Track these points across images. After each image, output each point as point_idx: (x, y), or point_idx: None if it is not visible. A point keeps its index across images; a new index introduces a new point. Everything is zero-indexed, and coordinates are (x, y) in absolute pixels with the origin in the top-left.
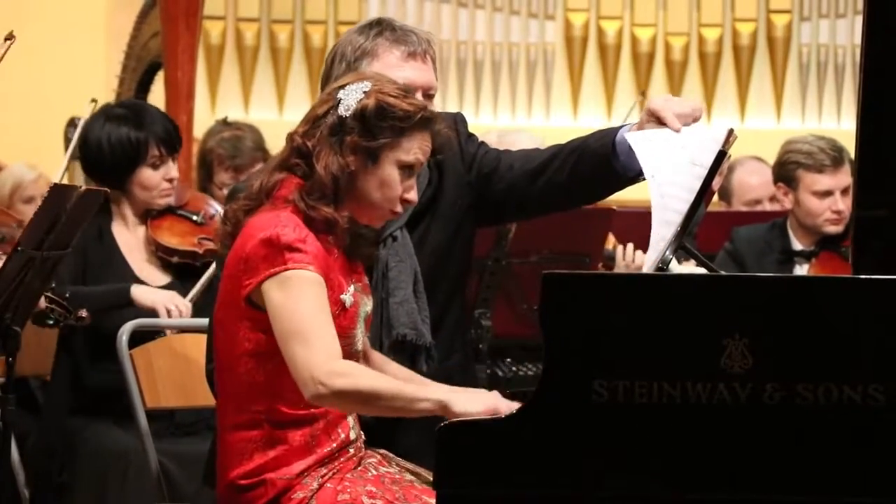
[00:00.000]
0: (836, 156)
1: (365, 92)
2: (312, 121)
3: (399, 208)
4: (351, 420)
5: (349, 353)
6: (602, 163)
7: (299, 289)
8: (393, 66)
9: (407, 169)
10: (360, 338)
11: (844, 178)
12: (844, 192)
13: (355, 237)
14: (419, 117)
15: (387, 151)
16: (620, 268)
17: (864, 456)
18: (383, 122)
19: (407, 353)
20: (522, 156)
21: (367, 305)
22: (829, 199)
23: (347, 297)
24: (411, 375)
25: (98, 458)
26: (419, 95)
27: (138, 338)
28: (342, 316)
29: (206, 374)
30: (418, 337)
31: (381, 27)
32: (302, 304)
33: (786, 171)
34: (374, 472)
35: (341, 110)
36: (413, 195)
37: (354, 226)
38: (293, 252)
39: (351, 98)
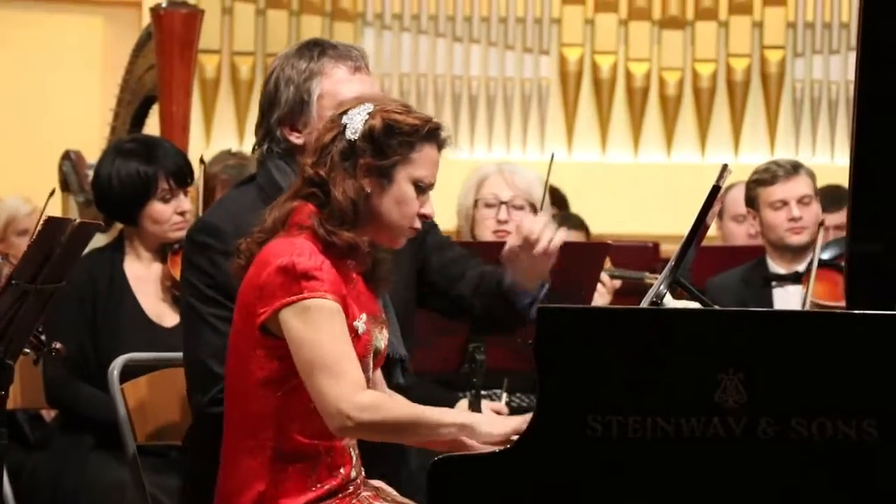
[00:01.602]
0: (788, 167)
1: (369, 113)
2: (321, 149)
3: (418, 224)
4: (354, 456)
5: None
6: (510, 309)
7: (320, 319)
8: (343, 81)
9: (420, 184)
10: (370, 367)
11: (798, 187)
12: (801, 201)
13: (374, 261)
14: (427, 130)
15: (400, 168)
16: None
17: (858, 491)
18: (392, 140)
19: (383, 367)
20: (453, 260)
21: (380, 340)
22: (786, 209)
23: (360, 325)
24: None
25: (95, 491)
26: None
27: (131, 372)
28: (355, 343)
29: (198, 406)
30: (393, 350)
31: (320, 47)
32: (324, 334)
33: (749, 193)
34: None
35: (349, 134)
36: (429, 209)
37: (373, 250)
38: (310, 280)
39: (356, 121)
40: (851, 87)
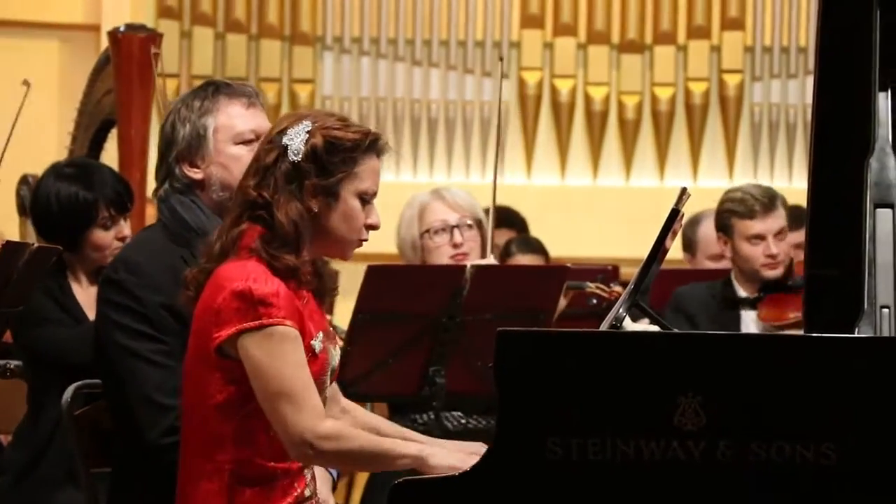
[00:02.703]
0: (765, 201)
1: (308, 132)
2: (263, 171)
3: (365, 235)
4: (308, 476)
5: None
6: None
7: (280, 346)
8: (238, 116)
9: (365, 196)
10: (327, 385)
11: (776, 221)
12: (778, 235)
13: (319, 276)
14: (368, 143)
15: (345, 184)
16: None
17: None
18: (335, 157)
19: None
20: None
21: (335, 357)
22: (763, 244)
23: (317, 343)
24: (400, 431)
25: None
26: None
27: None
28: (313, 362)
29: (153, 441)
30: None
31: (215, 86)
32: (284, 362)
33: (722, 220)
34: None
35: (291, 156)
36: (375, 219)
37: (317, 265)
38: (267, 307)
39: (297, 141)
40: (809, 110)
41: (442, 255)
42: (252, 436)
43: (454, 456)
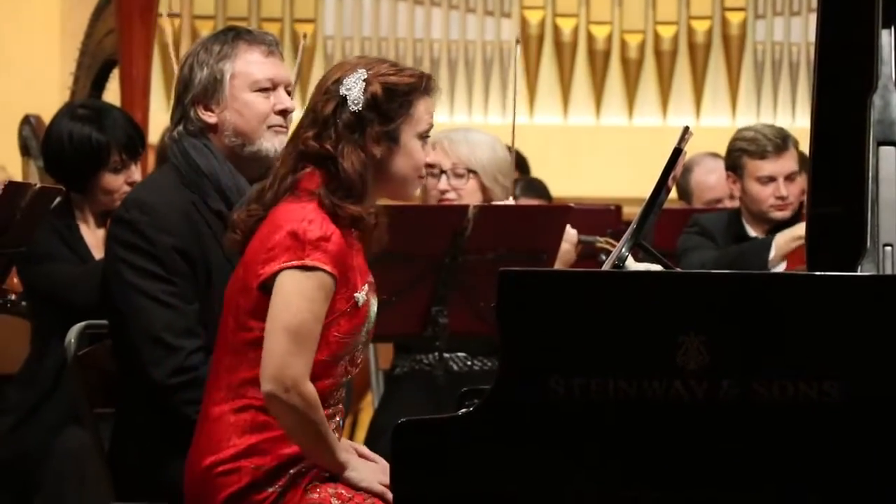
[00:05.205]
0: (778, 142)
1: (365, 80)
2: (323, 122)
3: (423, 173)
4: (336, 421)
5: (351, 348)
6: None
7: (313, 290)
8: (255, 63)
9: (423, 136)
10: (364, 338)
11: (787, 164)
12: (789, 177)
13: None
14: (423, 85)
15: (405, 128)
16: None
17: (819, 452)
18: (394, 103)
19: None
20: None
21: (374, 307)
22: (773, 185)
23: (361, 296)
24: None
25: (57, 457)
26: (281, 91)
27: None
28: (354, 314)
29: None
30: None
31: (235, 31)
32: (309, 305)
33: (732, 160)
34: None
35: (351, 106)
36: (432, 156)
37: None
38: (314, 249)
39: (355, 90)
40: (812, 48)
41: (432, 198)
42: None
43: (373, 478)
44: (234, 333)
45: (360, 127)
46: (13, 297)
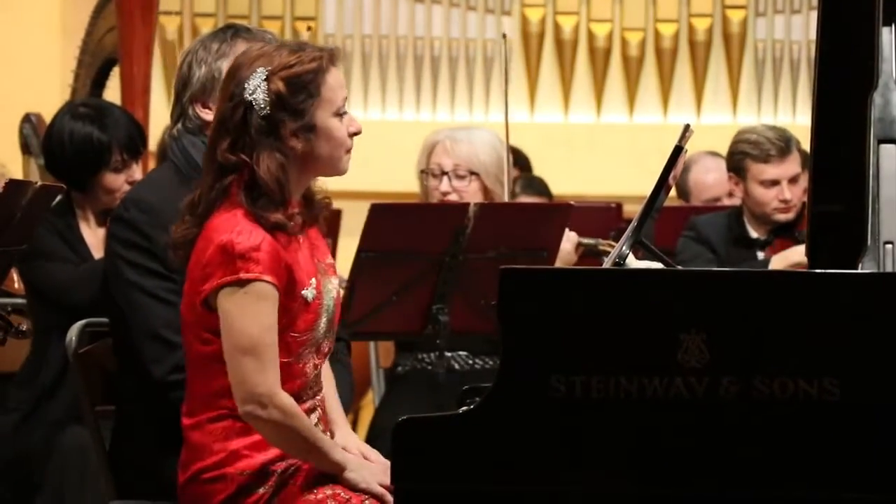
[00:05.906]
0: (782, 145)
1: (265, 79)
2: (234, 131)
3: (350, 143)
4: (317, 414)
5: (312, 343)
6: None
7: (254, 303)
8: None
9: (340, 112)
10: (325, 328)
11: (791, 167)
12: (792, 180)
13: (310, 204)
14: (325, 64)
15: (317, 112)
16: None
17: (819, 449)
18: (301, 95)
19: None
20: None
21: (331, 292)
22: (776, 189)
23: (309, 292)
24: (342, 418)
25: (58, 455)
26: None
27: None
28: (306, 310)
29: (160, 377)
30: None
31: (234, 30)
32: (255, 319)
33: (735, 162)
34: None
35: (259, 110)
36: (355, 126)
37: (308, 194)
38: (246, 261)
39: (259, 94)
40: (813, 46)
41: (433, 198)
42: None
43: (373, 479)
44: (194, 347)
45: (274, 129)
46: (24, 327)
